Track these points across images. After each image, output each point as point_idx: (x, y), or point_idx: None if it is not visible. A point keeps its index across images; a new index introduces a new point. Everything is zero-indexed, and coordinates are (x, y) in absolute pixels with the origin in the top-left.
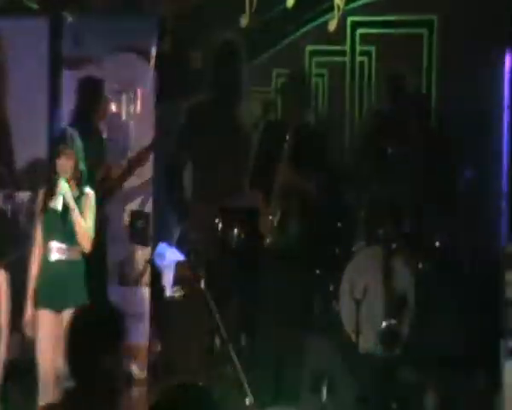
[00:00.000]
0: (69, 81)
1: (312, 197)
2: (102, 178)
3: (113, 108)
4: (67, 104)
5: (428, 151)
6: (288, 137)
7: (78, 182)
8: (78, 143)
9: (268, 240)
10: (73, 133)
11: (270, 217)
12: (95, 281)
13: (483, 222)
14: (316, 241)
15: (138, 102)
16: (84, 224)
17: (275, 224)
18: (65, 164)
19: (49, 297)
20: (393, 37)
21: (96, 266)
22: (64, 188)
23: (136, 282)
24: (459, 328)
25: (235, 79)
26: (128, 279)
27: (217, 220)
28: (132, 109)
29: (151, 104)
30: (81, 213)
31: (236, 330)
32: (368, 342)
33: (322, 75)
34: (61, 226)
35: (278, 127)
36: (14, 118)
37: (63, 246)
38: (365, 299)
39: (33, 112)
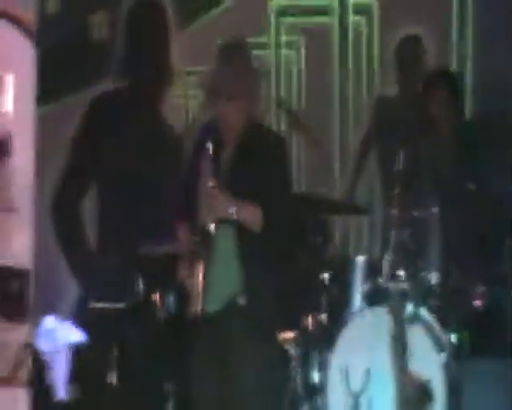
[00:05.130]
0: None
1: (268, 233)
2: None
3: None
4: None
5: (457, 154)
6: (226, 146)
7: None
8: None
9: (197, 306)
10: None
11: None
12: None
13: None
14: (282, 300)
15: (9, 96)
16: None
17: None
18: None
19: None
20: None
21: None
22: None
23: (7, 380)
24: None
25: (160, 54)
26: None
27: (136, 278)
28: (0, 106)
29: (30, 98)
30: None
31: None
32: None
33: (293, 44)
34: None
35: (213, 130)
36: None
37: None
38: (367, 391)
39: None
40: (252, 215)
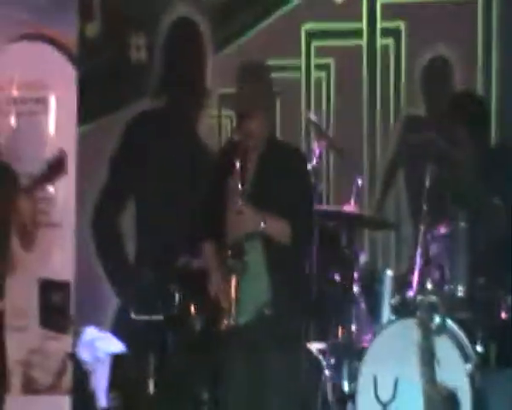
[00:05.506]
0: None
1: (295, 245)
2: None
3: (14, 123)
4: None
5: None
6: (249, 163)
7: None
8: None
9: (228, 318)
10: None
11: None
12: None
13: None
14: (312, 311)
15: (52, 115)
16: None
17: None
18: None
19: None
20: (431, 6)
21: None
22: None
23: (50, 388)
24: None
25: (196, 76)
26: (37, 385)
27: (172, 290)
28: (44, 125)
29: (72, 117)
30: None
31: None
32: None
33: (326, 66)
34: None
35: (235, 150)
36: None
37: None
38: (395, 400)
39: None
40: (279, 228)
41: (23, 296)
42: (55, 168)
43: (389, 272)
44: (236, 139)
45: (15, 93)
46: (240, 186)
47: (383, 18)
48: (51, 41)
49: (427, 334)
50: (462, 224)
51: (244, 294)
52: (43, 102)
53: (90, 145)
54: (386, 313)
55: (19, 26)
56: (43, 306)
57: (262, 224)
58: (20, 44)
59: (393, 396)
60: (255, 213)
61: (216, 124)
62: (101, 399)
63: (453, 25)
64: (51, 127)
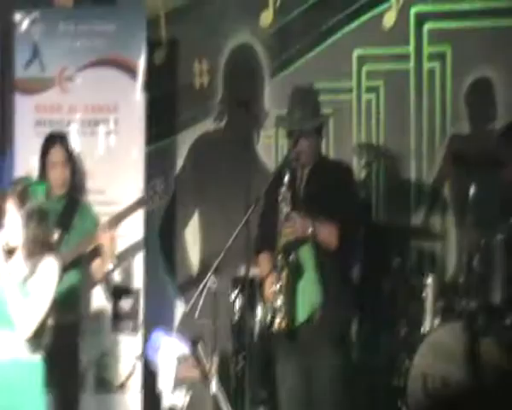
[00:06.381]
0: (24, 111)
1: (343, 249)
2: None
3: (87, 145)
4: (21, 142)
5: None
6: (301, 176)
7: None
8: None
9: (279, 321)
10: (26, 184)
11: (278, 287)
12: (60, 390)
13: None
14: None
15: (121, 136)
16: (19, 305)
17: (284, 298)
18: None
19: None
20: (477, 31)
21: (63, 368)
22: None
23: (121, 387)
24: None
25: (254, 98)
26: (109, 384)
27: (233, 297)
28: (114, 146)
29: (140, 138)
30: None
31: None
32: None
33: (375, 89)
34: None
35: (288, 165)
36: None
37: (9, 338)
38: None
39: None
40: (327, 233)
41: (97, 302)
42: (134, 209)
43: (435, 279)
44: (290, 157)
45: (87, 116)
46: (290, 196)
47: (429, 42)
48: (121, 67)
49: (472, 338)
50: (501, 236)
51: (296, 297)
52: (113, 123)
53: (157, 164)
54: (431, 318)
55: (91, 53)
56: (115, 311)
57: (310, 229)
58: (92, 70)
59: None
60: (304, 219)
61: (273, 143)
62: (168, 398)
63: (496, 48)
64: (122, 148)
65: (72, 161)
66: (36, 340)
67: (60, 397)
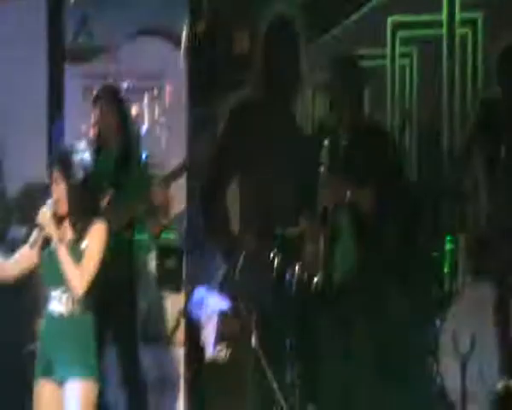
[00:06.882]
0: (74, 79)
1: (379, 213)
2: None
3: (133, 111)
4: (71, 110)
5: None
6: (340, 142)
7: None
8: (78, 163)
9: (318, 278)
10: (71, 151)
11: (318, 246)
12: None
13: None
14: (397, 273)
15: (166, 103)
16: (72, 266)
17: (323, 256)
18: (56, 191)
19: (47, 364)
20: None
21: (123, 324)
22: (44, 219)
23: (167, 340)
24: None
25: (292, 64)
26: (155, 337)
27: (272, 255)
28: (158, 112)
29: (183, 105)
30: (76, 252)
31: (299, 399)
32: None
33: (409, 55)
34: (55, 269)
35: (327, 129)
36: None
37: (62, 295)
38: (473, 353)
39: (28, 122)
40: (364, 197)
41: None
42: (182, 171)
43: (466, 237)
44: (328, 121)
45: (133, 84)
46: (329, 161)
47: (462, 9)
48: (165, 36)
49: (502, 295)
50: None
51: (333, 258)
52: (157, 91)
53: (199, 128)
54: (464, 276)
55: (137, 23)
56: (161, 269)
57: (348, 193)
58: (137, 39)
59: (471, 350)
60: (342, 183)
61: (310, 108)
62: (210, 350)
63: None
64: (166, 113)
65: (123, 118)
66: (88, 298)
67: (120, 350)
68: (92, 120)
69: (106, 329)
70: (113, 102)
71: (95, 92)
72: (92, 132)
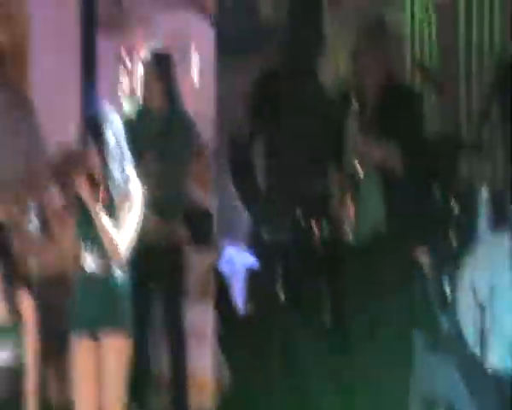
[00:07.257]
0: (105, 49)
1: (406, 173)
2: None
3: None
4: (104, 78)
5: None
6: (367, 101)
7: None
8: (112, 129)
9: (348, 233)
10: (106, 116)
11: (346, 203)
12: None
13: None
14: (420, 227)
15: (195, 70)
16: (110, 232)
17: (352, 212)
18: (90, 157)
19: (83, 320)
20: None
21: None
22: (80, 186)
23: (200, 294)
24: None
25: (315, 28)
26: (185, 294)
27: (298, 213)
28: (188, 78)
29: (212, 71)
30: (114, 217)
31: (325, 353)
32: (497, 357)
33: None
34: (90, 231)
35: (354, 89)
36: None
37: (96, 255)
38: (492, 302)
39: (61, 87)
40: (392, 156)
41: None
42: None
43: (486, 190)
44: (354, 79)
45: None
46: (357, 120)
47: None
48: (194, 7)
49: None
50: None
51: (361, 214)
52: (188, 57)
53: (227, 91)
54: (484, 226)
55: None
56: (193, 228)
57: (376, 153)
58: (168, 10)
59: (490, 300)
60: (371, 144)
61: (334, 68)
62: (239, 306)
63: None
64: (196, 79)
65: (171, 84)
66: (126, 261)
67: (165, 300)
68: (134, 84)
69: (151, 281)
70: (163, 67)
71: (143, 57)
72: (140, 96)
